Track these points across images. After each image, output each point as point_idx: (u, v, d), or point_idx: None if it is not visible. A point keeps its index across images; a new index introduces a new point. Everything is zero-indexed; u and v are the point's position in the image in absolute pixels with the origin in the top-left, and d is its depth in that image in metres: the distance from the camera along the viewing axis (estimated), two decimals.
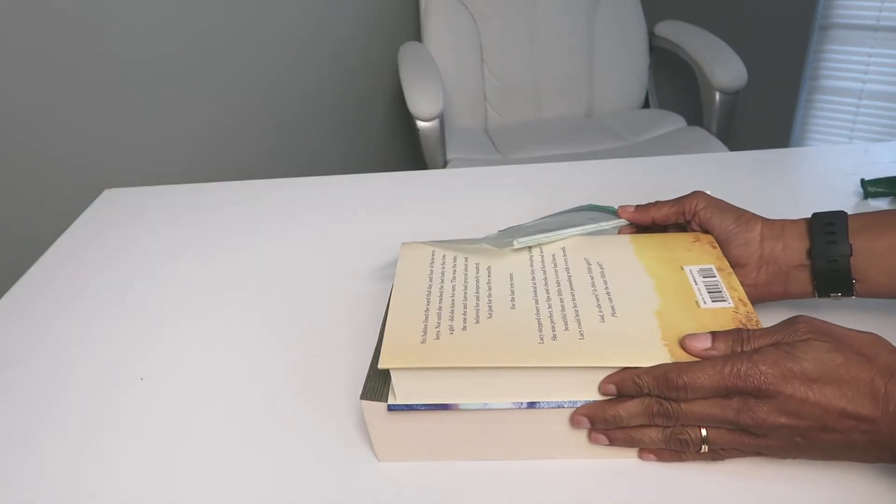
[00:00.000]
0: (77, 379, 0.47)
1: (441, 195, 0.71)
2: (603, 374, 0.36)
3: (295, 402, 0.43)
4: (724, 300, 0.39)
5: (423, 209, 0.68)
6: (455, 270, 0.43)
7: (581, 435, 0.38)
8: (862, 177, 0.67)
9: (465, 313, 0.39)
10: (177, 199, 0.73)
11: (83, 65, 1.27)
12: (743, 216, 0.46)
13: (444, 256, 0.45)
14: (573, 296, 0.40)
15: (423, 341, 0.37)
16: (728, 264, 0.43)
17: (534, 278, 0.42)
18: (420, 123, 1.53)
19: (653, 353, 0.35)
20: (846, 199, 0.65)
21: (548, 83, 1.90)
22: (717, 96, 1.68)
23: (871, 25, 1.90)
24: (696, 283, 0.41)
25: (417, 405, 0.37)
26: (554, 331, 0.37)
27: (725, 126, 1.71)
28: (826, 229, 0.43)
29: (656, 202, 0.48)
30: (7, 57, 1.18)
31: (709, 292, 0.40)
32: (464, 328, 0.38)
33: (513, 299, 0.40)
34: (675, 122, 1.79)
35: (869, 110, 1.96)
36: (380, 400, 0.37)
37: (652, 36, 1.94)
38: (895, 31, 1.87)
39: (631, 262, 0.44)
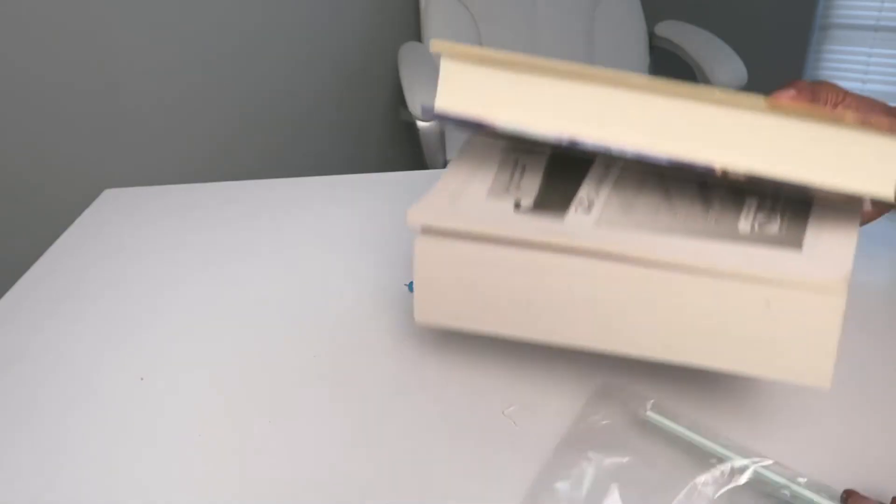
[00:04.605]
0: (77, 379, 0.47)
1: None
2: (684, 116, 0.28)
3: (295, 401, 0.43)
4: None
5: None
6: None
7: (649, 318, 0.31)
8: None
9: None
10: (177, 199, 0.72)
11: (83, 65, 1.27)
12: None
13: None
14: None
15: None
16: None
17: None
18: (420, 123, 1.53)
19: (748, 99, 0.28)
20: None
21: None
22: None
23: (871, 25, 1.90)
24: None
25: (452, 115, 0.32)
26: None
27: None
28: None
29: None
30: (7, 57, 1.18)
31: None
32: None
33: None
34: None
35: None
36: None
37: (652, 36, 1.94)
38: (895, 31, 1.87)
39: None
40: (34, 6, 1.18)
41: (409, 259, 0.58)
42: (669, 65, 1.97)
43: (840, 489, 0.34)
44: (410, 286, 0.53)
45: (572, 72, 0.30)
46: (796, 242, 0.29)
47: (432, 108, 0.32)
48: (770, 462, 0.35)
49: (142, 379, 0.46)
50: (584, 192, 0.34)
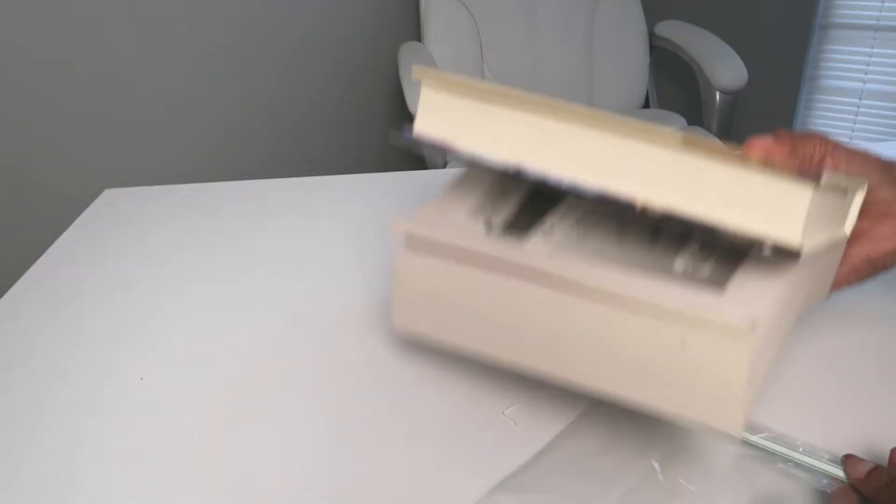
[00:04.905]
0: (77, 379, 0.47)
1: None
2: (613, 149, 0.29)
3: (294, 401, 0.43)
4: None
5: None
6: None
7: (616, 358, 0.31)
8: None
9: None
10: (177, 199, 0.72)
11: (83, 65, 1.27)
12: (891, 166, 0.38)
13: None
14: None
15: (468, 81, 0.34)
16: (850, 224, 0.36)
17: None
18: None
19: (665, 133, 0.29)
20: None
21: (548, 83, 1.90)
22: (718, 96, 1.68)
23: (871, 25, 1.90)
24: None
25: (426, 139, 0.35)
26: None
27: (725, 126, 1.71)
28: None
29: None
30: (7, 57, 1.18)
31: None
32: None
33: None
34: (676, 122, 1.79)
35: (869, 110, 1.96)
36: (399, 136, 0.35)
37: (652, 36, 1.94)
38: (895, 31, 1.87)
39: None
40: (35, 6, 1.18)
41: None
42: (669, 65, 1.97)
43: (839, 454, 0.35)
44: None
45: (521, 102, 0.32)
46: (721, 285, 0.29)
47: (407, 131, 0.35)
48: (773, 433, 0.36)
49: (142, 379, 0.46)
50: (550, 220, 0.36)
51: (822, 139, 0.38)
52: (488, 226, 0.36)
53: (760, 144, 0.36)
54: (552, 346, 0.33)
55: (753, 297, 0.28)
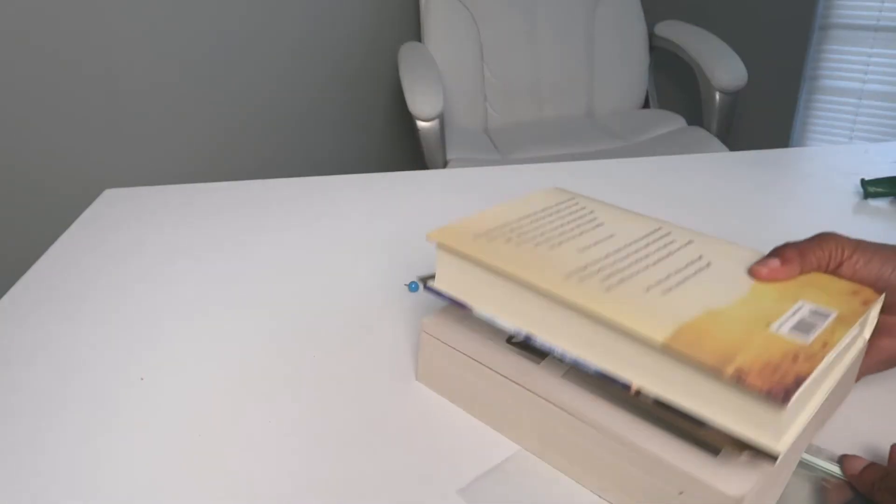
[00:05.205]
0: (77, 379, 0.47)
1: (441, 195, 0.70)
2: (609, 336, 0.32)
3: (295, 401, 0.43)
4: (804, 335, 0.30)
5: (423, 209, 0.68)
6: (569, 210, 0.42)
7: (603, 465, 0.34)
8: (862, 177, 0.67)
9: (536, 235, 0.39)
10: (177, 199, 0.73)
11: (83, 65, 1.27)
12: None
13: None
14: (655, 263, 0.36)
15: (480, 236, 0.38)
16: (869, 330, 0.37)
17: (635, 243, 0.38)
18: (420, 123, 1.53)
19: (651, 330, 0.30)
20: (846, 199, 0.65)
21: (548, 83, 1.90)
22: (717, 96, 1.68)
23: (871, 25, 1.90)
24: (794, 315, 0.32)
25: (445, 295, 0.38)
26: (607, 281, 0.34)
27: (725, 126, 1.71)
28: None
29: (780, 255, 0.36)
30: (7, 57, 1.18)
31: (795, 324, 0.31)
32: (521, 245, 0.37)
33: (596, 244, 0.38)
34: (675, 122, 1.79)
35: (869, 110, 1.97)
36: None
37: (652, 36, 1.94)
38: (895, 31, 1.87)
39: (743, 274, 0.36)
40: (35, 7, 1.18)
41: (408, 259, 0.59)
42: (669, 65, 1.97)
43: (838, 453, 0.36)
44: (411, 286, 0.53)
45: (529, 281, 0.34)
46: (716, 446, 0.31)
47: (416, 283, 0.40)
48: None
49: (142, 379, 0.46)
50: None
51: (838, 243, 0.37)
52: (509, 339, 0.39)
53: (767, 271, 0.36)
54: (557, 450, 0.36)
55: (744, 469, 0.30)
